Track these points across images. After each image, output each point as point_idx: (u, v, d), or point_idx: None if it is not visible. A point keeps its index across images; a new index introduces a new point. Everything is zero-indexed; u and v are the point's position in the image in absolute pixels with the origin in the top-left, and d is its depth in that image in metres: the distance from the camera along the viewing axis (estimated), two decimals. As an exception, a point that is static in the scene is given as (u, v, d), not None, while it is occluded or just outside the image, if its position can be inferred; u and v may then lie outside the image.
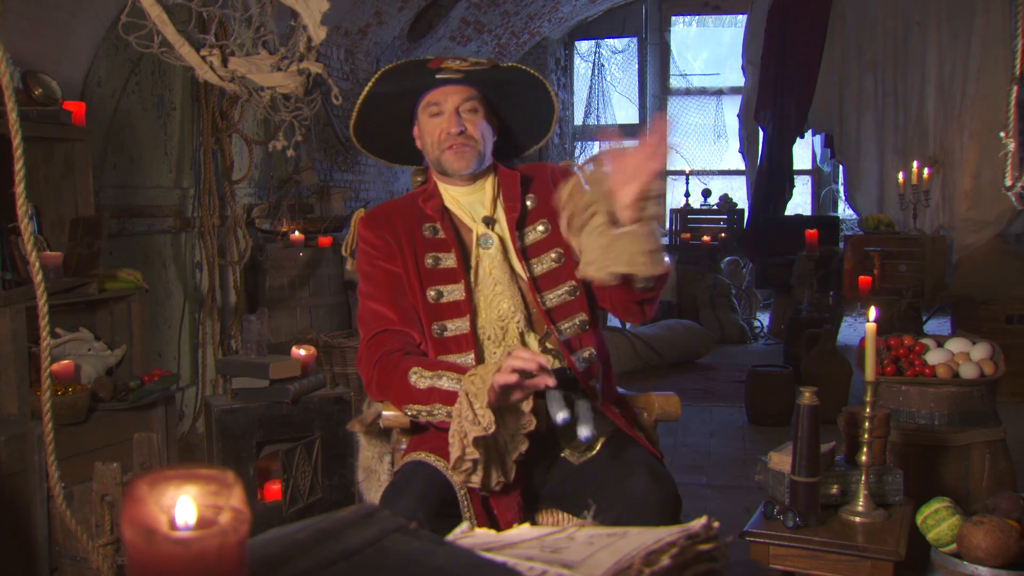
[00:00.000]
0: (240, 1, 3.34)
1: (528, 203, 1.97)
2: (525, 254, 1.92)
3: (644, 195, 1.62)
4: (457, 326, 1.88)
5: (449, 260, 1.92)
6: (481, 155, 1.93)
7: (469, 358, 1.85)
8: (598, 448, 1.85)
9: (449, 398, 1.74)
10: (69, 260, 3.17)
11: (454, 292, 1.90)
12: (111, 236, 3.65)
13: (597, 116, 10.05)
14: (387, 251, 1.94)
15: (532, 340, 1.89)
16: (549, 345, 1.88)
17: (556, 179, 1.96)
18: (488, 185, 1.99)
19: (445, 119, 1.90)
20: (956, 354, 2.77)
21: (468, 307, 1.88)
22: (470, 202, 1.98)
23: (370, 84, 1.94)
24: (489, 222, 1.95)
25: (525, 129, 2.11)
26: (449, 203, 1.98)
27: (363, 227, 1.99)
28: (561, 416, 1.70)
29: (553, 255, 1.92)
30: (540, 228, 1.95)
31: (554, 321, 1.88)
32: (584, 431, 1.73)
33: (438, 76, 1.88)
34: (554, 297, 1.90)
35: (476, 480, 1.68)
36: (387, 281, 1.94)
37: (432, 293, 1.90)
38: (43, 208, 3.31)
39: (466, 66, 1.86)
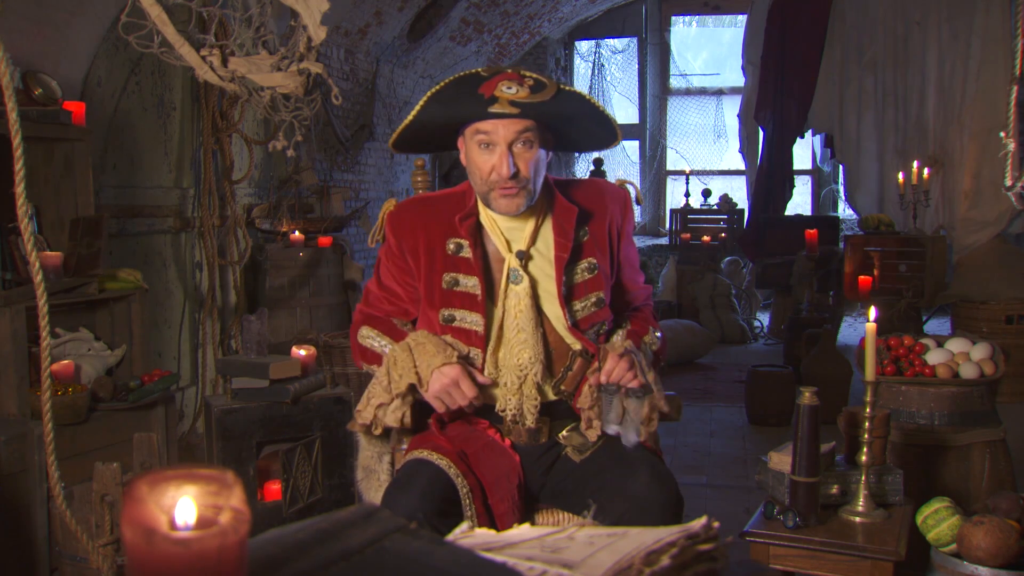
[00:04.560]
0: (240, 1, 3.34)
1: (582, 238, 1.90)
2: (569, 295, 1.86)
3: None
4: (468, 350, 1.88)
5: (471, 284, 1.85)
6: (532, 193, 1.80)
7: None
8: (599, 445, 1.86)
9: (377, 359, 1.91)
10: (69, 260, 3.17)
11: (467, 320, 1.85)
12: (111, 236, 3.64)
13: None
14: (403, 267, 1.93)
15: (547, 389, 1.88)
16: (563, 388, 1.88)
17: (614, 212, 1.94)
18: (533, 216, 1.87)
19: (496, 157, 1.75)
20: (956, 354, 2.77)
21: (483, 340, 1.85)
22: (509, 228, 1.87)
23: (417, 108, 1.79)
24: (523, 256, 1.86)
25: (582, 139, 1.97)
26: (486, 223, 1.88)
27: (388, 227, 1.94)
28: (613, 428, 1.78)
29: (594, 299, 1.89)
30: (585, 267, 1.89)
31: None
32: (631, 436, 1.77)
33: (491, 110, 1.71)
34: (588, 334, 1.90)
35: (377, 430, 1.89)
36: (398, 296, 1.98)
37: (445, 314, 1.87)
38: (43, 208, 3.31)
39: (523, 96, 1.70)
